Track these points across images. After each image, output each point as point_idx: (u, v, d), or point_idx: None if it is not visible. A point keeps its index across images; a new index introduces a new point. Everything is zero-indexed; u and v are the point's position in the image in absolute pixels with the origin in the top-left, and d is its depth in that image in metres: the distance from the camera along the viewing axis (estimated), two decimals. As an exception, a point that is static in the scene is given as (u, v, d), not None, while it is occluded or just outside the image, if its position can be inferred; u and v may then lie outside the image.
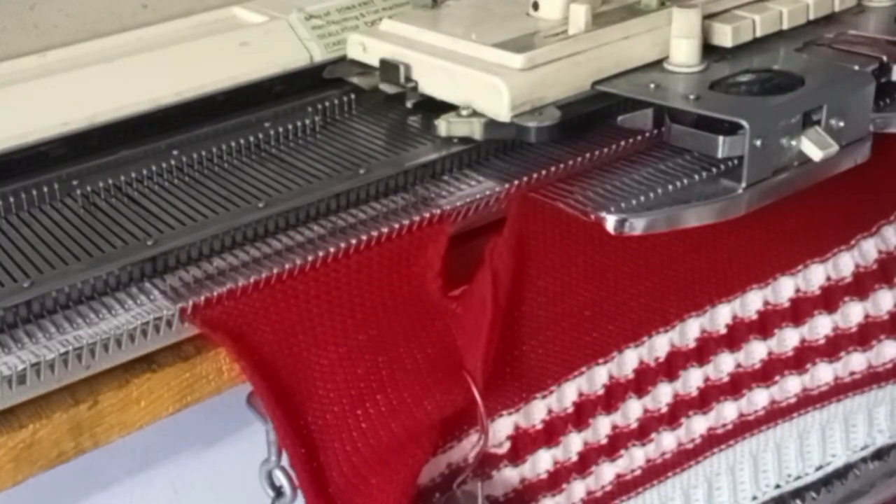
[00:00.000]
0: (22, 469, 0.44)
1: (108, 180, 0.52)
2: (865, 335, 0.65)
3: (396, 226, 0.49)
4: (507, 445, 0.55)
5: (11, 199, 0.51)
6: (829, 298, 0.64)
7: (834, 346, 0.65)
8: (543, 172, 0.53)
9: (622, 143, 0.56)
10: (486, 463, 0.55)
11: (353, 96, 0.59)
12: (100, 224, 0.49)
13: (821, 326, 0.64)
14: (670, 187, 0.52)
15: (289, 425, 0.47)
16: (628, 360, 0.58)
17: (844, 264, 0.64)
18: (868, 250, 0.65)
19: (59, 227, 0.49)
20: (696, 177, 0.53)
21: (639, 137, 0.56)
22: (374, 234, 0.48)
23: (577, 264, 0.55)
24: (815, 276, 0.63)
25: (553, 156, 0.55)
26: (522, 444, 0.56)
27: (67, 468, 0.46)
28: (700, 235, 0.59)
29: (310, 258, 0.47)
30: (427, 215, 0.50)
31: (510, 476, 0.56)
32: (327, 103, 0.58)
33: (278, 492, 0.51)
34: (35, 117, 0.53)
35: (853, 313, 0.65)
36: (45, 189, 0.51)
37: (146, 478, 0.66)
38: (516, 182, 0.53)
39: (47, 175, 0.52)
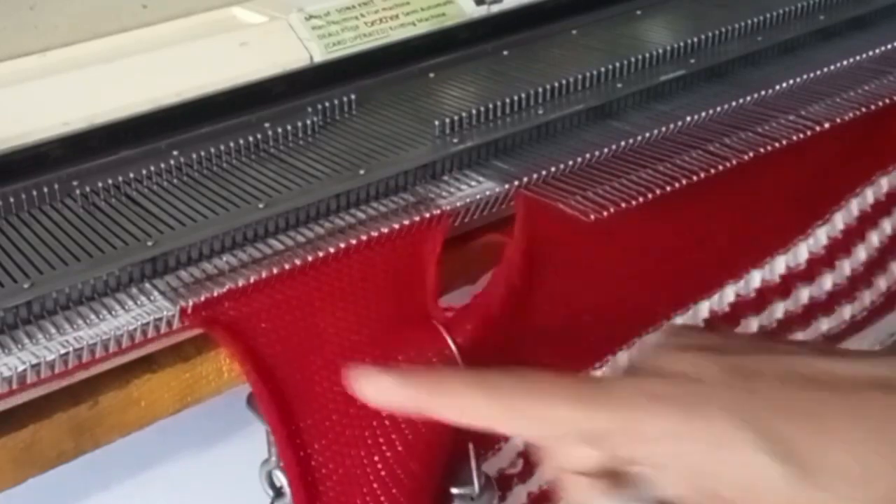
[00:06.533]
0: (22, 469, 0.44)
1: (108, 180, 0.52)
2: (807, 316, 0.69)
3: (397, 226, 0.49)
4: (519, 464, 0.55)
5: (11, 200, 0.50)
6: (786, 286, 0.66)
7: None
8: (543, 172, 0.53)
9: (622, 143, 0.56)
10: (500, 485, 0.55)
11: (353, 96, 0.59)
12: (100, 224, 0.49)
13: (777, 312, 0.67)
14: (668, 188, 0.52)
15: (285, 428, 0.47)
16: (621, 363, 0.58)
17: (801, 254, 0.66)
18: (820, 237, 0.67)
19: (59, 228, 0.49)
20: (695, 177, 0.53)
21: (639, 138, 0.56)
22: (375, 234, 0.48)
23: (579, 269, 0.55)
24: (777, 267, 0.65)
25: (553, 156, 0.55)
26: (531, 459, 0.56)
27: (67, 468, 0.46)
28: (699, 237, 0.59)
29: (310, 258, 0.47)
30: (427, 215, 0.50)
31: (518, 493, 0.56)
32: (327, 103, 0.58)
33: (278, 492, 0.51)
34: (35, 117, 0.53)
35: (801, 297, 0.68)
36: (45, 189, 0.51)
37: (146, 478, 0.66)
38: (516, 182, 0.53)
39: (47, 175, 0.52)
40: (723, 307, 0.63)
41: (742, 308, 0.65)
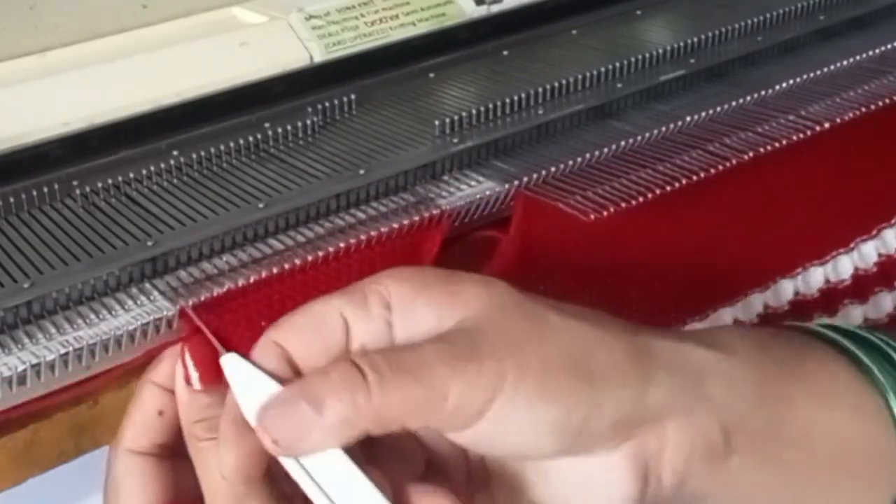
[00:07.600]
0: (22, 469, 0.44)
1: (108, 180, 0.52)
2: None
3: (396, 226, 0.49)
4: None
5: (11, 200, 0.50)
6: (829, 301, 0.64)
7: None
8: (543, 172, 0.53)
9: (622, 143, 0.56)
10: None
11: (353, 96, 0.59)
12: (100, 224, 0.49)
13: None
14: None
15: None
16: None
17: (844, 267, 0.64)
18: (868, 253, 0.65)
19: (59, 228, 0.49)
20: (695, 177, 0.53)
21: (639, 138, 0.56)
22: (374, 234, 0.48)
23: (578, 267, 0.54)
24: (814, 279, 0.63)
25: (553, 156, 0.55)
26: None
27: (67, 468, 0.46)
28: (699, 238, 0.59)
29: (310, 258, 0.47)
30: (427, 215, 0.50)
31: None
32: (327, 103, 0.58)
33: (278, 492, 0.51)
34: (35, 117, 0.53)
35: (853, 316, 0.65)
36: (45, 189, 0.51)
37: (146, 478, 0.66)
38: (516, 182, 0.53)
39: (47, 175, 0.52)
40: (750, 317, 0.61)
41: (775, 320, 0.62)
